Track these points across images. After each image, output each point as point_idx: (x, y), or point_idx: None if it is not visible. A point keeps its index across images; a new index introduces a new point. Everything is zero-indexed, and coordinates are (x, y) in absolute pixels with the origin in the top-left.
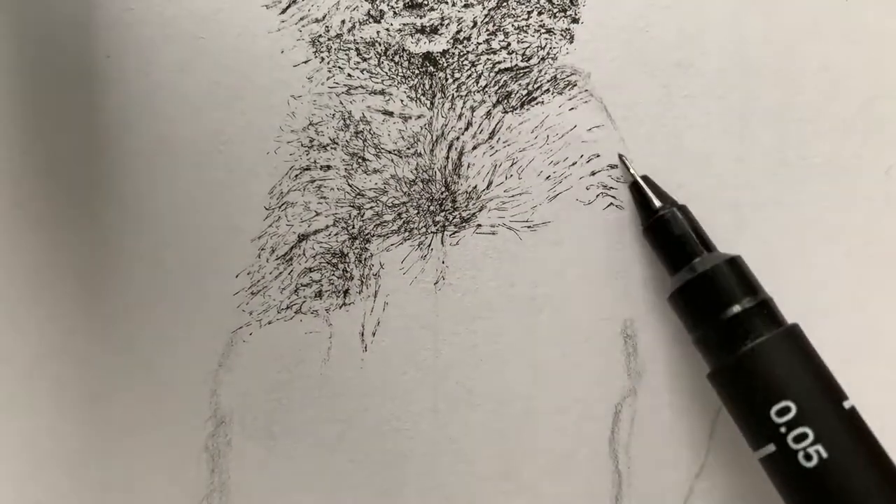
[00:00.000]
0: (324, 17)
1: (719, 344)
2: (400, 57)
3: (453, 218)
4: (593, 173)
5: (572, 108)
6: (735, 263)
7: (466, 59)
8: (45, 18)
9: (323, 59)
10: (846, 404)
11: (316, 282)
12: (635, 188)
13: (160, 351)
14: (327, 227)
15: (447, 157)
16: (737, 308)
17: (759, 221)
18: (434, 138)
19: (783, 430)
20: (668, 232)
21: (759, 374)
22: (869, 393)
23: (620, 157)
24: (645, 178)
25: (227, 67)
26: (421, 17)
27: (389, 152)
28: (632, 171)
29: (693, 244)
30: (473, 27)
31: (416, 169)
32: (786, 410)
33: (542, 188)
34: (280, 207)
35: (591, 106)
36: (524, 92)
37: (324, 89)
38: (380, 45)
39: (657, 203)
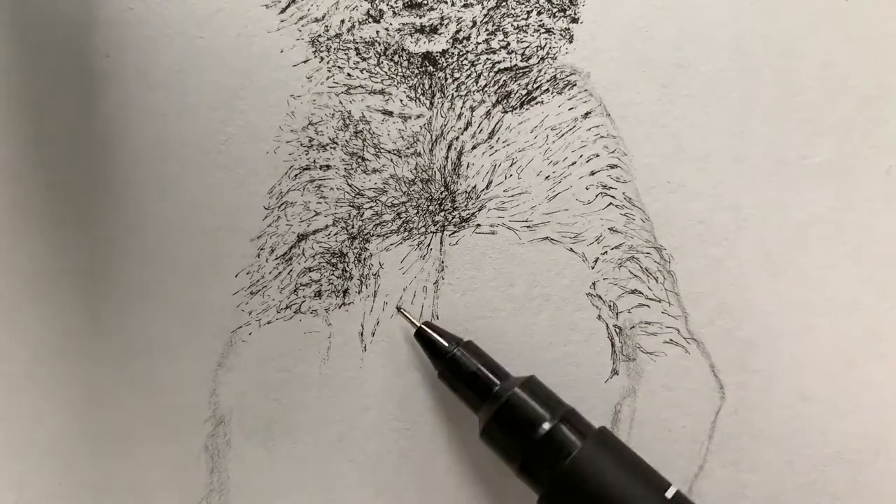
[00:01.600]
0: (323, 17)
1: (542, 465)
2: (399, 56)
3: (453, 218)
4: (593, 173)
5: (572, 108)
6: (531, 384)
7: (466, 58)
8: (46, 19)
9: (322, 58)
10: (669, 493)
11: (315, 281)
12: (419, 336)
13: (160, 351)
14: (327, 226)
15: (447, 157)
16: (546, 426)
17: (759, 221)
18: (433, 138)
19: None
20: (460, 371)
21: (584, 486)
22: (869, 393)
23: (398, 308)
24: (427, 323)
25: (227, 67)
26: (420, 17)
27: (389, 152)
28: (412, 320)
29: (486, 378)
30: (473, 27)
31: (415, 169)
32: None
33: (542, 188)
34: (280, 207)
35: (590, 106)
36: (524, 92)
37: (323, 89)
38: (379, 44)
39: (444, 344)
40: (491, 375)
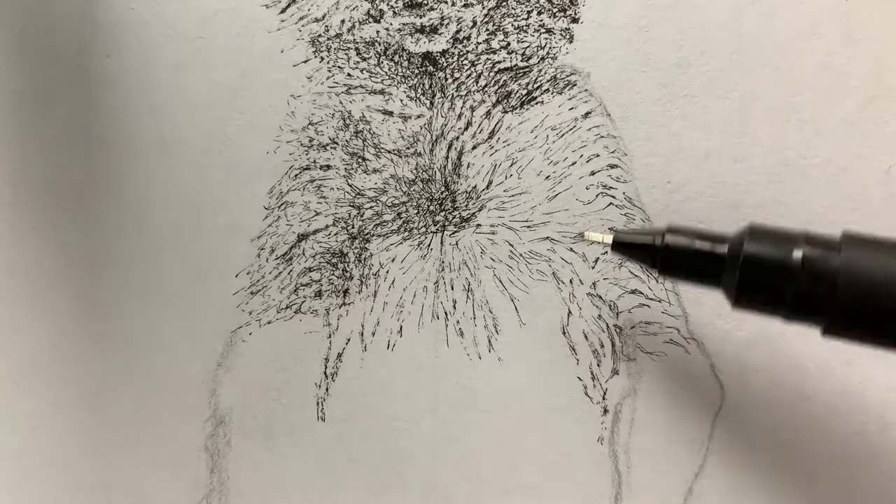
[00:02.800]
0: (323, 17)
1: (814, 297)
2: (400, 56)
3: (453, 218)
4: (593, 173)
5: (572, 108)
6: (756, 232)
7: (466, 58)
8: (46, 18)
9: (322, 58)
10: None
11: (315, 281)
12: (618, 248)
13: (160, 351)
14: (327, 226)
15: (447, 157)
16: (798, 253)
17: (759, 221)
18: (434, 138)
19: None
20: (680, 257)
21: (870, 279)
22: (869, 393)
23: (582, 235)
24: (617, 231)
25: (227, 67)
26: (421, 17)
27: (389, 152)
28: (602, 238)
29: (709, 249)
30: (473, 27)
31: (415, 168)
32: None
33: (542, 188)
34: (280, 207)
35: (590, 106)
36: (524, 92)
37: (323, 89)
38: (379, 44)
39: (646, 240)
40: (713, 244)
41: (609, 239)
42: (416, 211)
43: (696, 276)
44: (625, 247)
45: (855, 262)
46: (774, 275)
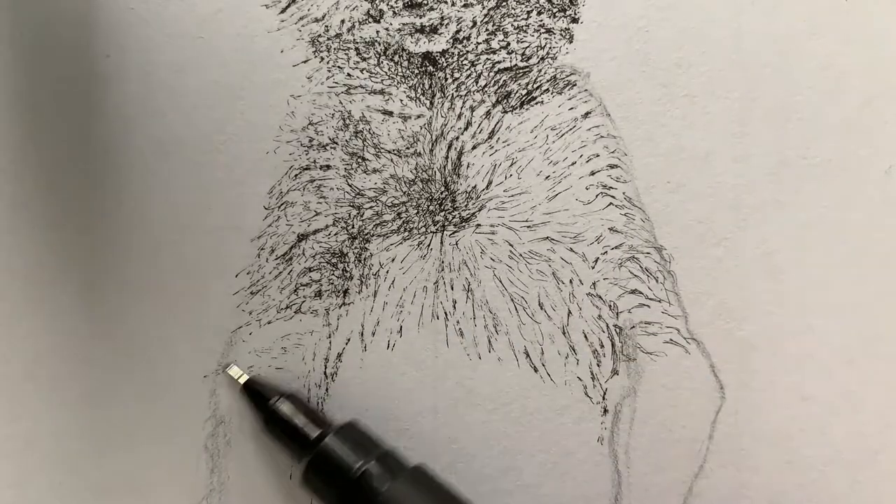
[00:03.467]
0: (323, 17)
1: None
2: (399, 56)
3: (453, 218)
4: (593, 173)
5: (572, 108)
6: (347, 430)
7: (466, 58)
8: (46, 18)
9: (322, 58)
10: None
11: (315, 281)
12: (246, 390)
13: (160, 351)
14: (327, 226)
15: (447, 157)
16: (358, 467)
17: (759, 221)
18: (433, 138)
19: None
20: (283, 422)
21: None
22: (869, 393)
23: (223, 369)
24: (254, 377)
25: (227, 67)
26: (420, 17)
27: (389, 152)
28: (235, 376)
29: (302, 428)
30: (473, 27)
31: (415, 168)
32: None
33: (542, 188)
34: (280, 207)
35: (590, 106)
36: (524, 92)
37: (323, 89)
38: (379, 44)
39: (268, 397)
40: (311, 425)
41: (242, 380)
42: (415, 211)
43: (287, 445)
44: (250, 392)
45: (395, 495)
46: (334, 472)
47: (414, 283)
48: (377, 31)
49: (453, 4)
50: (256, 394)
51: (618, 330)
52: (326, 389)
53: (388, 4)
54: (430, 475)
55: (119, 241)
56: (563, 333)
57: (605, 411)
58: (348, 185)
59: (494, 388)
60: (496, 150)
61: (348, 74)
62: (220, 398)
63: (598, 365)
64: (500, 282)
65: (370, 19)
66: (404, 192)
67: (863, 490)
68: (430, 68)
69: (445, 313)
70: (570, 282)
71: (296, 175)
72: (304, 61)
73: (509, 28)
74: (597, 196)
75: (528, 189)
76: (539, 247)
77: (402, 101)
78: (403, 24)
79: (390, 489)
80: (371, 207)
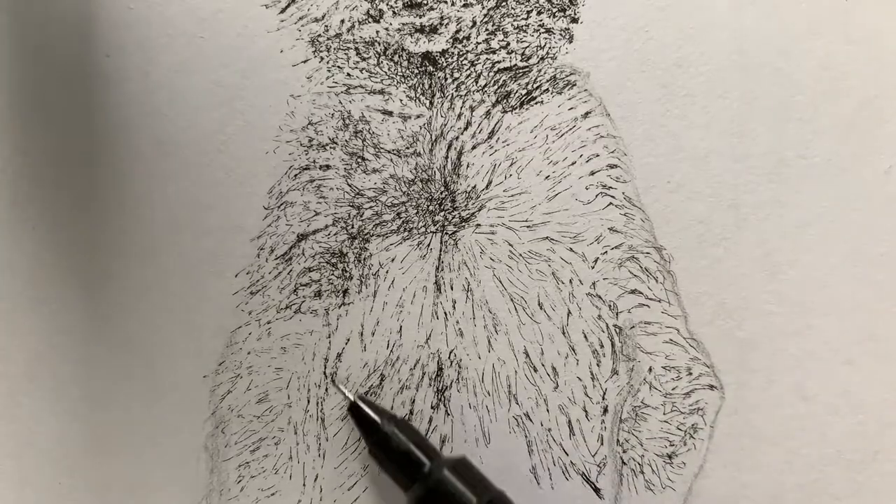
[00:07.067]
0: (323, 17)
1: None
2: (399, 56)
3: (452, 217)
4: (592, 173)
5: (572, 108)
6: (461, 466)
7: (466, 58)
8: (46, 18)
9: (322, 58)
10: None
11: (315, 281)
12: (352, 411)
13: (160, 351)
14: (326, 226)
15: (446, 157)
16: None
17: (759, 221)
18: (433, 138)
19: None
20: (391, 449)
21: None
22: (869, 393)
23: (332, 381)
24: (362, 397)
25: (227, 67)
26: (420, 17)
27: (389, 152)
28: (347, 393)
29: (416, 456)
30: (473, 27)
31: (415, 168)
32: None
33: (542, 188)
34: (279, 207)
35: (590, 106)
36: (523, 91)
37: (323, 89)
38: (379, 44)
39: (377, 419)
40: (421, 455)
41: (350, 397)
42: (415, 211)
43: (395, 472)
44: (358, 413)
45: None
46: None
47: (414, 283)
48: (377, 31)
49: (453, 4)
50: (363, 417)
51: (618, 330)
52: (326, 389)
53: (387, 4)
54: None
55: (119, 241)
56: (563, 333)
57: (605, 411)
58: (348, 185)
59: (494, 387)
60: (496, 150)
61: (348, 74)
62: (220, 398)
63: (598, 365)
64: (500, 282)
65: (370, 19)
66: (404, 192)
67: (863, 490)
68: (430, 68)
69: (445, 313)
70: (570, 282)
71: (295, 175)
72: (304, 61)
73: (509, 28)
74: (597, 196)
75: (528, 189)
76: (539, 247)
77: (401, 100)
78: (403, 24)
79: None
80: (371, 207)
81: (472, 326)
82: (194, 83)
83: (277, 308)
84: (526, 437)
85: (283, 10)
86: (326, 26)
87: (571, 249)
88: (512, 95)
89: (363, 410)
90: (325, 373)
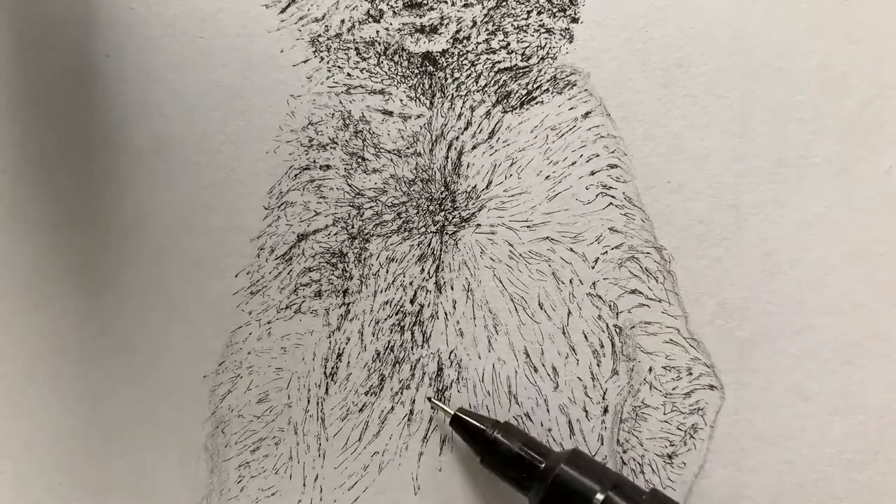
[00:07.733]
0: (323, 17)
1: None
2: (399, 56)
3: (453, 217)
4: (592, 173)
5: (572, 108)
6: (575, 457)
7: (466, 58)
8: (46, 18)
9: (322, 58)
10: None
11: (315, 281)
12: (456, 423)
13: (160, 351)
14: (327, 226)
15: (447, 157)
16: (599, 497)
17: (759, 221)
18: (433, 138)
19: None
20: (502, 455)
21: None
22: (869, 393)
23: (430, 399)
24: (461, 409)
25: (227, 67)
26: (420, 17)
27: (389, 152)
28: (445, 408)
29: (531, 457)
30: (473, 27)
31: (415, 168)
32: None
33: (542, 188)
34: (279, 207)
35: (590, 106)
36: (524, 91)
37: (323, 89)
38: (379, 44)
39: (483, 428)
40: (534, 454)
41: (450, 411)
42: (415, 211)
43: (511, 477)
44: (462, 424)
45: None
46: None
47: (414, 283)
48: (377, 31)
49: (453, 4)
50: (467, 427)
51: (618, 330)
52: (326, 389)
53: (388, 4)
54: (669, 499)
55: (119, 241)
56: (563, 333)
57: (605, 411)
58: (348, 185)
59: (494, 387)
60: (496, 150)
61: (348, 74)
62: (220, 398)
63: (598, 365)
64: (500, 282)
65: (370, 19)
66: (404, 192)
67: (863, 490)
68: (430, 68)
69: (445, 313)
70: (570, 282)
71: (296, 175)
72: (304, 61)
73: (509, 28)
74: (597, 196)
75: (528, 189)
76: (539, 247)
77: (401, 100)
78: (403, 24)
79: None
80: (371, 207)
81: (472, 326)
82: (194, 83)
83: (277, 308)
84: None
85: (283, 10)
86: (327, 26)
87: (572, 249)
88: (512, 95)
89: (466, 420)
90: (325, 372)
